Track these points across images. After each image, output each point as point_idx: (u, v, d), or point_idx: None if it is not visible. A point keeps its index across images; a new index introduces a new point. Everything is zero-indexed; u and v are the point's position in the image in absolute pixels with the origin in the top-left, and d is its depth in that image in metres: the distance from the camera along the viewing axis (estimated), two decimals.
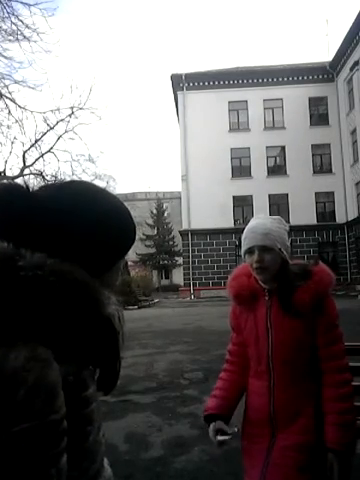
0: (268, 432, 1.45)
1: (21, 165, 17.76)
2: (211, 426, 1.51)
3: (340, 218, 24.46)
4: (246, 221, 22.22)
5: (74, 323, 0.60)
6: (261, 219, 1.50)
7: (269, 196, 24.63)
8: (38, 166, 18.05)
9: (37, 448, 0.52)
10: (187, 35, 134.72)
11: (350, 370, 1.46)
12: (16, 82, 14.05)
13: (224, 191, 24.11)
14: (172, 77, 25.70)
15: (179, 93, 25.91)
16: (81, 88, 29.84)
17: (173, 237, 38.81)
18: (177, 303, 22.44)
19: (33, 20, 13.45)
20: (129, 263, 28.40)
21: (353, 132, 23.06)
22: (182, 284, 26.90)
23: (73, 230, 0.66)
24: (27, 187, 0.67)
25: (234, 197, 24.76)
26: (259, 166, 24.82)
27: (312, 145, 24.76)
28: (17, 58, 31.56)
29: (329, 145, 24.94)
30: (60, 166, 21.73)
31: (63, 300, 0.59)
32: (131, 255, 33.85)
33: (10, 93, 14.32)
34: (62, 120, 17.47)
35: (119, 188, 76.13)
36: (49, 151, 17.82)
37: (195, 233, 24.60)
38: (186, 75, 25.37)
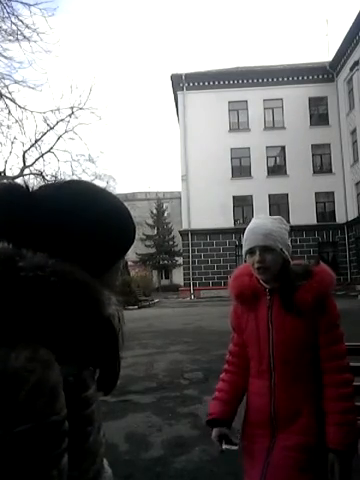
0: (269, 432, 1.45)
1: (21, 165, 17.80)
2: (215, 431, 1.53)
3: (340, 218, 24.46)
4: (246, 221, 22.29)
5: (75, 324, 0.60)
6: (262, 219, 1.50)
7: (269, 196, 24.63)
8: (38, 166, 18.09)
9: (38, 449, 0.52)
10: (187, 35, 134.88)
11: (350, 370, 1.46)
12: (16, 82, 14.09)
13: (224, 191, 24.10)
14: (172, 77, 25.70)
15: (179, 93, 25.91)
16: (81, 88, 30.09)
17: (173, 237, 38.80)
18: (177, 303, 22.44)
19: (33, 20, 13.49)
20: (129, 263, 28.39)
21: (353, 132, 23.06)
22: (182, 284, 26.90)
23: (73, 230, 0.66)
24: (27, 187, 0.67)
25: (234, 197, 24.76)
26: (259, 166, 24.82)
27: (312, 145, 24.76)
28: (17, 58, 31.66)
29: (329, 145, 24.94)
30: (60, 166, 21.80)
31: (64, 301, 0.59)
32: (131, 255, 33.87)
33: (10, 93, 14.37)
34: (62, 120, 17.51)
35: (119, 188, 76.13)
36: (49, 151, 17.86)
37: (195, 233, 24.60)
38: (186, 75, 25.37)
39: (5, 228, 0.63)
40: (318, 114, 25.55)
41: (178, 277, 35.03)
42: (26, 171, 17.92)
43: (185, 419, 3.93)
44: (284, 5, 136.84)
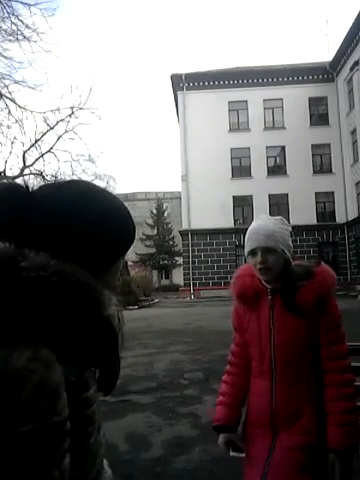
0: (269, 432, 1.45)
1: (21, 165, 17.82)
2: (221, 437, 1.54)
3: (340, 218, 24.46)
4: (246, 221, 22.32)
5: (76, 324, 0.60)
6: (263, 220, 1.50)
7: (269, 196, 24.63)
8: (38, 166, 18.11)
9: (40, 449, 0.52)
10: (187, 35, 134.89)
11: (352, 370, 1.45)
12: (16, 82, 14.10)
13: (224, 191, 24.10)
14: (172, 77, 25.71)
15: (179, 93, 25.91)
16: (81, 88, 30.11)
17: (173, 237, 38.81)
18: (177, 303, 22.44)
19: (33, 20, 13.46)
20: (129, 263, 28.39)
21: (353, 132, 23.07)
22: (182, 284, 26.90)
23: (73, 230, 0.66)
24: (27, 187, 0.67)
25: (234, 197, 24.76)
26: (259, 166, 24.82)
27: (312, 145, 24.77)
28: (17, 58, 31.56)
29: (329, 145, 24.94)
30: (60, 166, 21.82)
31: (65, 301, 0.59)
32: (131, 255, 33.88)
33: (10, 93, 14.39)
34: (62, 120, 17.54)
35: (119, 188, 76.06)
36: (49, 151, 17.88)
37: (195, 233, 24.60)
38: (186, 75, 25.37)
39: (5, 228, 0.63)
40: (318, 114, 25.55)
41: (178, 277, 35.04)
42: (26, 171, 17.96)
43: (185, 419, 3.92)
44: (284, 5, 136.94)
